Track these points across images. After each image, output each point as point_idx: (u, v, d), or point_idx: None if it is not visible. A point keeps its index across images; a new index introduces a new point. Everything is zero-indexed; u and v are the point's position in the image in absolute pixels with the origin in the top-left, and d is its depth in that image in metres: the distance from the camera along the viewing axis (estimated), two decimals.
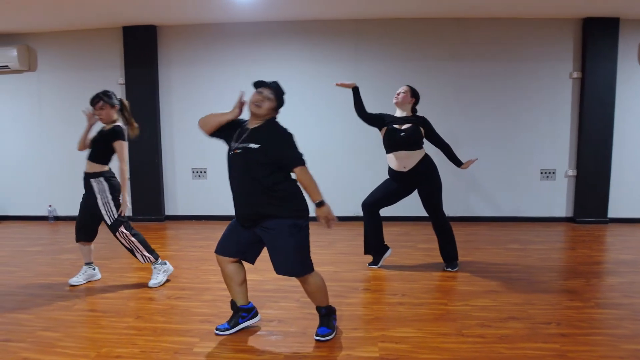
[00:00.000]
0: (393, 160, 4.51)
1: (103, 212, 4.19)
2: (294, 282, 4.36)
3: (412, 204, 5.04)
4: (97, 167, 4.19)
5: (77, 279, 4.37)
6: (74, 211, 7.18)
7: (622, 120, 6.72)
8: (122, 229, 4.22)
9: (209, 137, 3.30)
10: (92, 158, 4.21)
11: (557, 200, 6.94)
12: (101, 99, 4.16)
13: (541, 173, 6.89)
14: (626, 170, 6.83)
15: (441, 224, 4.60)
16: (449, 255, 4.67)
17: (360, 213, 4.68)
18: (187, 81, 7.12)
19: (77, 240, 4.35)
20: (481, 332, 3.33)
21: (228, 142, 3.20)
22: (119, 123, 4.28)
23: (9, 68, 7.05)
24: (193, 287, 4.31)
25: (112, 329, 3.40)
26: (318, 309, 3.28)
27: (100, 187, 4.17)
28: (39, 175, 7.41)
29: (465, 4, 6.09)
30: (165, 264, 4.41)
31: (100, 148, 4.21)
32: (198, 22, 6.89)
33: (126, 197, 4.19)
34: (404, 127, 4.44)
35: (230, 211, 7.14)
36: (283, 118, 7.01)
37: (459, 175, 6.17)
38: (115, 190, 4.22)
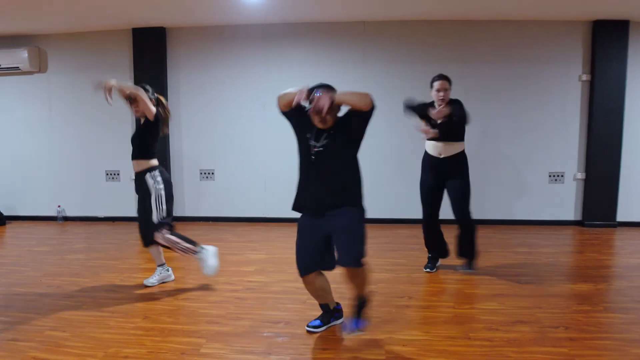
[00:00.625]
0: (430, 148, 4.52)
1: (153, 207, 4.08)
2: (299, 283, 4.36)
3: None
4: (146, 163, 4.14)
5: (152, 280, 4.36)
6: (83, 212, 7.37)
7: (632, 123, 6.67)
8: (165, 231, 4.11)
9: (281, 113, 3.40)
10: (137, 155, 4.15)
11: (566, 203, 6.90)
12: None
13: (550, 176, 6.85)
14: (635, 174, 6.78)
15: (466, 221, 4.56)
16: (467, 254, 4.66)
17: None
18: (196, 83, 7.15)
19: (146, 245, 4.28)
20: (489, 335, 3.32)
21: (298, 132, 3.29)
22: None
23: (19, 69, 7.10)
24: (200, 288, 4.32)
25: (120, 330, 3.41)
26: (357, 297, 3.27)
27: (155, 181, 4.12)
28: (49, 176, 7.45)
29: (473, 5, 6.07)
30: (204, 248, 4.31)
31: (141, 141, 4.16)
32: (207, 24, 6.92)
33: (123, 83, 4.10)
34: (440, 121, 4.40)
35: (237, 212, 7.17)
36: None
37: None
38: (169, 186, 4.19)
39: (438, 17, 6.62)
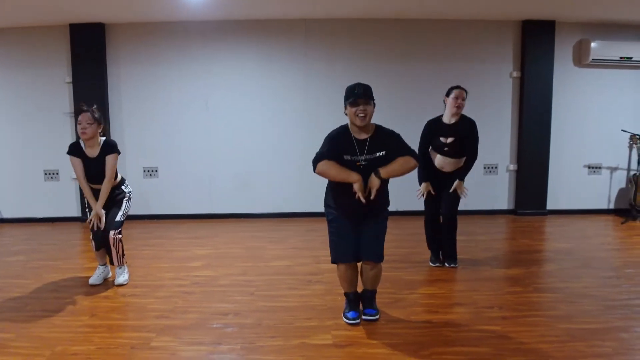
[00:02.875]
0: (436, 160, 4.57)
1: (122, 207, 4.27)
2: (247, 276, 4.49)
3: None
4: (117, 179, 4.30)
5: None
6: (20, 213, 7.13)
7: (559, 117, 7.10)
8: (120, 231, 4.25)
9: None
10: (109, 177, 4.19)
11: (500, 193, 7.27)
12: (92, 115, 4.10)
13: (484, 168, 7.20)
14: (563, 165, 7.23)
15: (453, 224, 4.71)
16: (454, 253, 4.77)
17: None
18: (136, 80, 7.06)
19: (99, 248, 4.31)
20: (428, 317, 3.52)
21: (342, 160, 3.27)
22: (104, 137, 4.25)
23: None
24: (147, 284, 4.32)
25: (67, 328, 3.39)
26: (366, 292, 3.53)
27: (127, 190, 4.41)
28: None
29: (410, 5, 6.29)
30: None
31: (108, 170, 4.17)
32: (147, 20, 6.83)
33: (100, 208, 4.14)
34: (449, 141, 4.46)
35: (182, 209, 7.15)
36: (239, 115, 7.05)
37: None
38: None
39: (376, 16, 6.82)
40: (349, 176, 3.17)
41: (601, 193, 7.37)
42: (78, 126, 4.05)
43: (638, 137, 6.85)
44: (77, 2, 5.90)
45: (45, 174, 7.12)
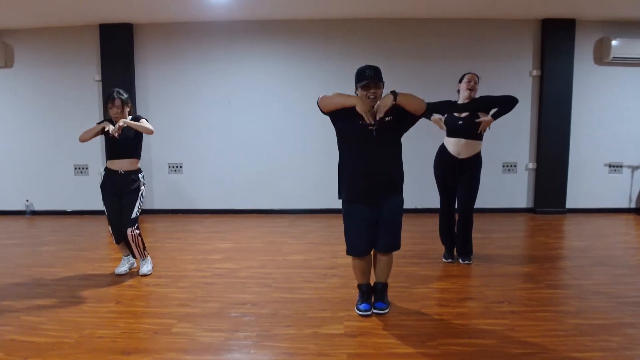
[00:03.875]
0: (450, 145, 4.60)
1: (137, 204, 4.41)
2: (266, 269, 4.64)
3: None
4: (138, 163, 4.46)
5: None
6: (51, 206, 7.45)
7: (579, 115, 7.10)
8: (137, 226, 4.43)
9: (324, 114, 3.44)
10: (131, 154, 4.41)
11: (519, 191, 7.30)
12: (121, 99, 4.32)
13: (503, 166, 7.23)
14: (583, 163, 7.23)
15: (469, 221, 4.72)
16: (469, 249, 4.82)
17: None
18: (163, 78, 7.29)
19: (119, 242, 4.52)
20: (439, 310, 3.62)
21: (345, 123, 3.38)
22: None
23: None
24: (170, 275, 4.51)
25: (94, 313, 3.59)
26: (377, 284, 3.63)
27: (144, 181, 4.49)
28: (16, 170, 7.49)
29: (430, 4, 6.37)
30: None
31: (137, 141, 4.43)
32: (174, 20, 7.06)
33: (130, 122, 4.27)
34: (463, 115, 4.53)
35: (205, 205, 7.34)
36: (260, 113, 7.20)
37: (429, 169, 6.52)
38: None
39: (396, 16, 6.92)
40: (349, 99, 3.27)
41: (622, 192, 7.34)
42: (110, 110, 4.31)
43: None
44: (107, 3, 6.15)
45: (75, 168, 7.40)
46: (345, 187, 3.48)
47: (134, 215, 4.39)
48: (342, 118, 3.37)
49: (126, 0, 6.03)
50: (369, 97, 3.27)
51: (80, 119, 7.24)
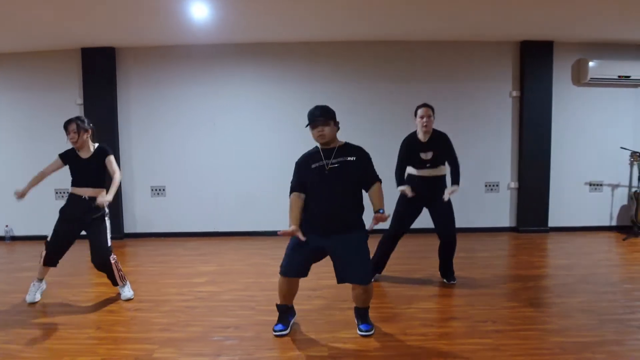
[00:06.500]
0: (416, 174, 4.67)
1: (108, 234, 4.34)
2: (249, 292, 4.59)
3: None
4: (102, 191, 4.35)
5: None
6: (31, 231, 7.31)
7: (559, 135, 7.20)
8: (112, 254, 4.38)
9: None
10: (95, 184, 4.34)
11: (501, 211, 7.35)
12: (76, 124, 4.31)
13: (485, 186, 7.29)
14: (564, 182, 7.31)
15: (454, 243, 4.73)
16: (451, 269, 4.85)
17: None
18: (146, 101, 7.27)
19: (54, 264, 4.44)
20: (423, 331, 3.60)
21: (310, 170, 3.52)
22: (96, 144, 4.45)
23: None
24: (152, 299, 4.44)
25: (73, 340, 3.51)
26: (359, 309, 3.64)
27: (107, 210, 4.38)
28: None
29: (412, 27, 6.46)
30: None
31: (99, 170, 4.35)
32: (157, 44, 7.07)
33: (110, 196, 4.24)
34: (429, 156, 4.59)
35: (188, 227, 7.27)
36: (244, 135, 7.20)
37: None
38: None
39: (379, 38, 6.99)
40: (291, 220, 3.52)
41: (603, 210, 7.43)
42: (67, 136, 4.33)
43: (638, 154, 6.92)
44: (89, 27, 6.14)
45: (56, 192, 7.31)
46: (304, 223, 3.53)
47: (109, 243, 4.33)
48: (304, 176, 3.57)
49: (108, 23, 6.02)
50: (318, 136, 3.45)
51: (61, 144, 7.11)
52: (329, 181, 3.41)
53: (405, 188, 4.60)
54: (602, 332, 3.53)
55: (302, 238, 3.34)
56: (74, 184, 4.37)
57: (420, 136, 4.63)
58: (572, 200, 7.37)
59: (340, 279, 3.46)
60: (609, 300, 4.25)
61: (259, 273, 5.29)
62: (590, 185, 7.36)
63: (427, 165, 4.60)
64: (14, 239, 7.40)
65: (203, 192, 7.35)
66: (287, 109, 7.18)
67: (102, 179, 4.39)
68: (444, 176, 4.70)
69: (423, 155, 4.59)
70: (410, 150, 4.64)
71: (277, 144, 7.22)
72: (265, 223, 7.31)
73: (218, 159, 7.29)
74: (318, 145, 3.57)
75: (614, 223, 7.43)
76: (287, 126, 7.16)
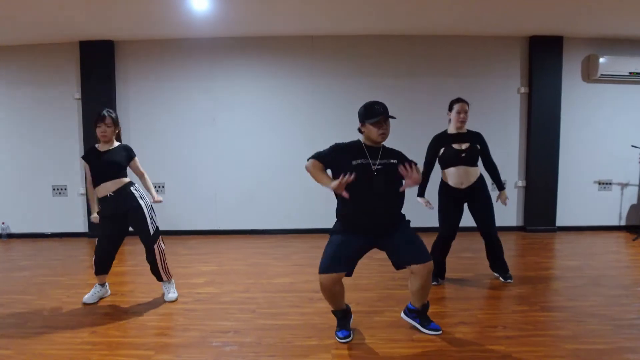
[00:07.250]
0: (451, 177, 4.50)
1: (148, 219, 4.19)
2: (249, 294, 4.45)
3: None
4: (123, 180, 4.18)
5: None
6: (28, 228, 7.18)
7: (567, 132, 7.04)
8: (161, 240, 4.27)
9: None
10: (117, 175, 4.16)
11: (509, 209, 7.18)
12: (112, 117, 4.15)
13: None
14: (572, 181, 7.16)
15: (496, 239, 4.67)
16: (503, 267, 4.76)
17: None
18: (145, 96, 7.12)
19: (105, 271, 4.30)
20: (431, 337, 3.45)
21: (351, 165, 3.24)
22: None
23: None
24: (149, 301, 4.31)
25: (66, 345, 3.37)
26: (418, 310, 3.53)
27: (140, 192, 4.23)
28: None
29: (418, 22, 6.31)
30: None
31: (122, 164, 4.21)
32: (156, 37, 6.92)
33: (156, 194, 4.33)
34: (464, 147, 4.45)
35: (188, 226, 7.12)
36: (245, 131, 7.06)
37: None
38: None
39: (384, 32, 6.83)
40: (323, 180, 3.19)
41: (612, 209, 7.27)
42: (98, 129, 4.10)
43: None
44: (87, 20, 5.99)
45: (54, 189, 7.18)
46: (343, 224, 3.39)
47: (152, 231, 4.19)
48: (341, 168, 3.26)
49: (107, 16, 5.88)
50: (380, 135, 3.25)
51: (59, 138, 7.08)
52: (376, 182, 3.24)
53: (423, 200, 4.52)
54: (616, 339, 3.38)
55: (352, 178, 3.04)
56: (95, 184, 4.16)
57: (453, 131, 4.51)
58: (581, 199, 7.22)
59: (401, 263, 3.36)
60: (622, 304, 4.10)
61: (259, 273, 5.15)
62: (600, 184, 7.21)
63: (463, 155, 4.41)
64: (10, 236, 7.27)
65: (203, 189, 7.21)
66: (288, 104, 7.04)
67: (121, 171, 4.20)
68: (480, 178, 4.54)
69: (456, 146, 4.43)
70: (441, 144, 4.50)
71: (278, 140, 7.07)
72: (266, 221, 7.17)
73: (218, 156, 7.15)
74: (361, 140, 3.38)
75: (623, 223, 7.28)
76: (288, 122, 7.02)
